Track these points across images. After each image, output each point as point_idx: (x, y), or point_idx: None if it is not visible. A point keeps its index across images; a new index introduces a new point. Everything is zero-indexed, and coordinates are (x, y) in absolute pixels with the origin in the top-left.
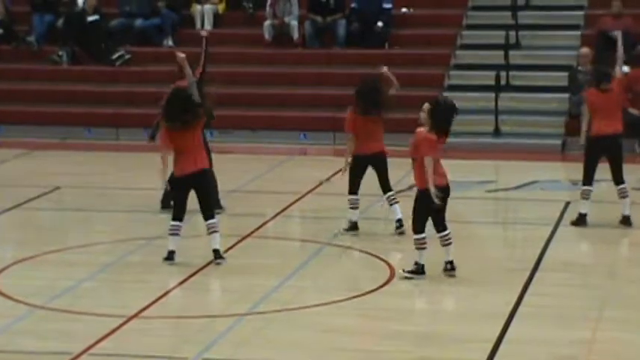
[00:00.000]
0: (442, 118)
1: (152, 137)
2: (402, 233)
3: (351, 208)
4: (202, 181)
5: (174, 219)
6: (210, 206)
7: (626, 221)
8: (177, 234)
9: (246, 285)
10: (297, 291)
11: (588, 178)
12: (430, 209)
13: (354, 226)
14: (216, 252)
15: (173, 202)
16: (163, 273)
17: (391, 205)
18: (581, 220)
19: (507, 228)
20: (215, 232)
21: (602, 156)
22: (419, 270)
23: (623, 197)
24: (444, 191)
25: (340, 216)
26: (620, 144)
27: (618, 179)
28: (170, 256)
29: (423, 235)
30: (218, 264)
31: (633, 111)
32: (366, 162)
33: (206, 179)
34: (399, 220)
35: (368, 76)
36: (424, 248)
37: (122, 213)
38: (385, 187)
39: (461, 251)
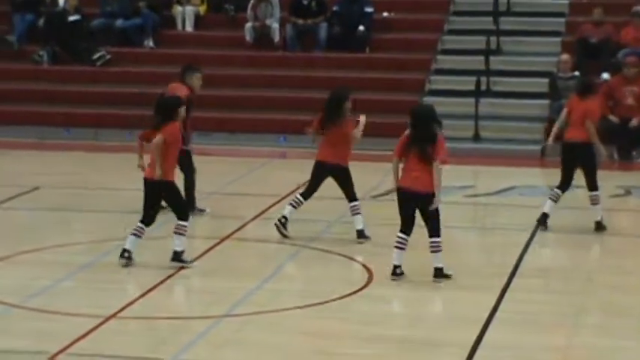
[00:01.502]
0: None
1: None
2: (360, 242)
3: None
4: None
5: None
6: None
7: (599, 227)
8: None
9: (224, 287)
10: (275, 294)
11: (561, 183)
12: (401, 210)
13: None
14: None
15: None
16: (141, 274)
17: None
18: (542, 219)
19: (485, 233)
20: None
21: (577, 162)
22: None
23: (594, 204)
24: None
25: (319, 219)
26: (592, 152)
27: (591, 186)
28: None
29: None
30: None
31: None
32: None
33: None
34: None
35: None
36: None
37: (100, 213)
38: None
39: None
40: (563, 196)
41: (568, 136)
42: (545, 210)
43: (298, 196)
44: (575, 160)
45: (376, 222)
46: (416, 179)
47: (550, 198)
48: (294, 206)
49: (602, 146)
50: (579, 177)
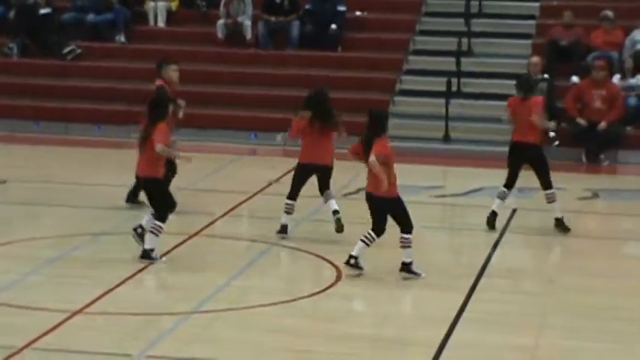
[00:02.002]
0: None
1: None
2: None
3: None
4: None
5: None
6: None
7: (559, 224)
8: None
9: (192, 283)
10: (244, 290)
11: (507, 181)
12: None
13: (284, 229)
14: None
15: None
16: (109, 269)
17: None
18: (491, 217)
19: (454, 234)
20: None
21: (524, 163)
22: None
23: (551, 202)
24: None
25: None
26: (541, 152)
27: (545, 185)
28: None
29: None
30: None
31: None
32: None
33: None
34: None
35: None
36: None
37: (69, 208)
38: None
39: None
40: (533, 198)
41: (515, 138)
42: (495, 208)
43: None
44: (521, 161)
45: (346, 220)
46: None
47: (498, 197)
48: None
49: (549, 123)
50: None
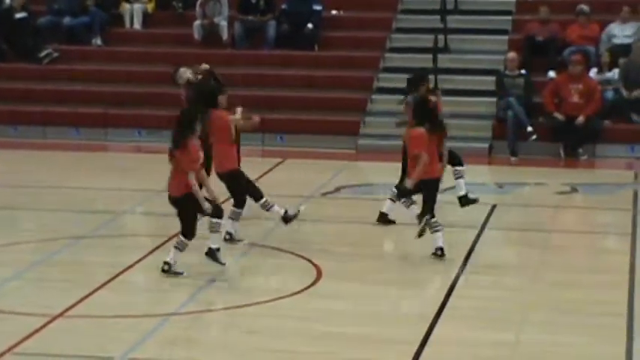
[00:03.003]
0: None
1: None
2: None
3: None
4: None
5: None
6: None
7: (463, 200)
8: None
9: (172, 285)
10: (223, 291)
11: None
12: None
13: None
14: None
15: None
16: (89, 272)
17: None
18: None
19: None
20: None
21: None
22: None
23: (458, 178)
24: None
25: (268, 217)
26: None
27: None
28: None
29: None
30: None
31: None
32: None
33: None
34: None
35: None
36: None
37: (49, 212)
38: None
39: (386, 253)
40: (512, 193)
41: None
42: (384, 210)
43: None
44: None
45: (325, 220)
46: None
47: (390, 198)
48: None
49: None
50: (526, 175)
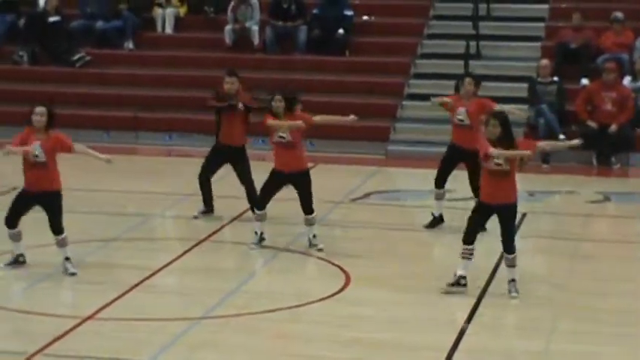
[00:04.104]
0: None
1: None
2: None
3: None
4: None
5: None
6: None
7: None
8: None
9: (201, 289)
10: (252, 296)
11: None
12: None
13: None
14: None
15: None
16: (119, 275)
17: None
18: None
19: None
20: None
21: (459, 163)
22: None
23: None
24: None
25: (296, 222)
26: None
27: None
28: None
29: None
30: None
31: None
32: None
33: None
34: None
35: None
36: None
37: (80, 214)
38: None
39: (415, 259)
40: (543, 201)
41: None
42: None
43: None
44: (460, 160)
45: (354, 225)
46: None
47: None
48: None
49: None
50: (557, 183)
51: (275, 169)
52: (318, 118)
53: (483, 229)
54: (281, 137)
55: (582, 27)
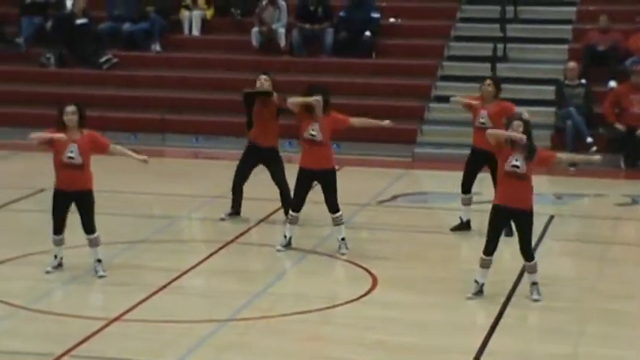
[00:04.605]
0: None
1: None
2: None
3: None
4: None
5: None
6: None
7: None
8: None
9: (228, 291)
10: (279, 298)
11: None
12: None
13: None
14: None
15: None
16: (146, 277)
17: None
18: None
19: None
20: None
21: (484, 166)
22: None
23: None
24: None
25: (324, 224)
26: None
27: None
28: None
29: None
30: None
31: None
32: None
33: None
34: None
35: None
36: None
37: (107, 216)
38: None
39: (442, 262)
40: (570, 204)
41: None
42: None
43: None
44: (484, 164)
45: (381, 228)
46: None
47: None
48: None
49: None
50: (585, 186)
51: (302, 167)
52: (355, 120)
53: (510, 233)
54: (312, 135)
55: (609, 29)
